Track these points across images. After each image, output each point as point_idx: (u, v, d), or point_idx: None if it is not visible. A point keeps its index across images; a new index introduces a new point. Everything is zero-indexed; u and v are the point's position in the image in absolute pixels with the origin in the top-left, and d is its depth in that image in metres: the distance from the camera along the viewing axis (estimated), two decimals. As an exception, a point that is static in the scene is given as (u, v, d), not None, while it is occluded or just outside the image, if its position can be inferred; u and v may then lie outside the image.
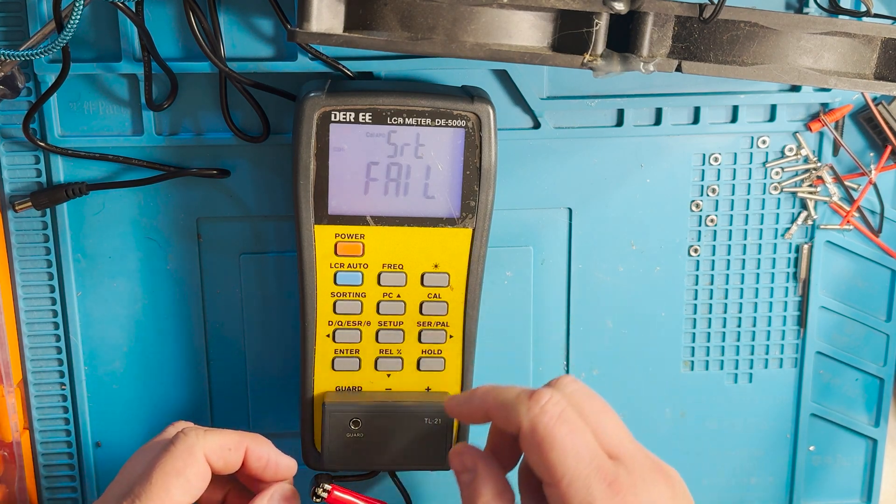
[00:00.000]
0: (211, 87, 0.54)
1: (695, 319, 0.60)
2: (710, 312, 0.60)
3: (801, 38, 0.49)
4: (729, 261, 0.59)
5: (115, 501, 0.45)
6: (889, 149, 0.57)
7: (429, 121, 0.50)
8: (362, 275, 0.52)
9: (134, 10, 0.51)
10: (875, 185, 0.58)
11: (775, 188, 0.58)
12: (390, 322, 0.53)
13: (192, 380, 0.58)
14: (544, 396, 0.43)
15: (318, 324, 0.52)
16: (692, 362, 0.61)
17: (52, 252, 0.56)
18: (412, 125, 0.50)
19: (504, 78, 0.55)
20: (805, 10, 0.55)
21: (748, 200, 0.58)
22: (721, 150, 0.58)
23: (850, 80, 0.50)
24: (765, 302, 0.60)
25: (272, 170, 0.55)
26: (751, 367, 0.61)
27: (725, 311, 0.60)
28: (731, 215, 0.59)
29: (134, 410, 0.58)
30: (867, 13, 0.53)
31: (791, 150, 0.58)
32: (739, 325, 0.60)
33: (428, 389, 0.54)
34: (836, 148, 0.58)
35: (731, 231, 0.59)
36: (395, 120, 0.50)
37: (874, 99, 0.57)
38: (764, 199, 0.58)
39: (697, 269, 0.59)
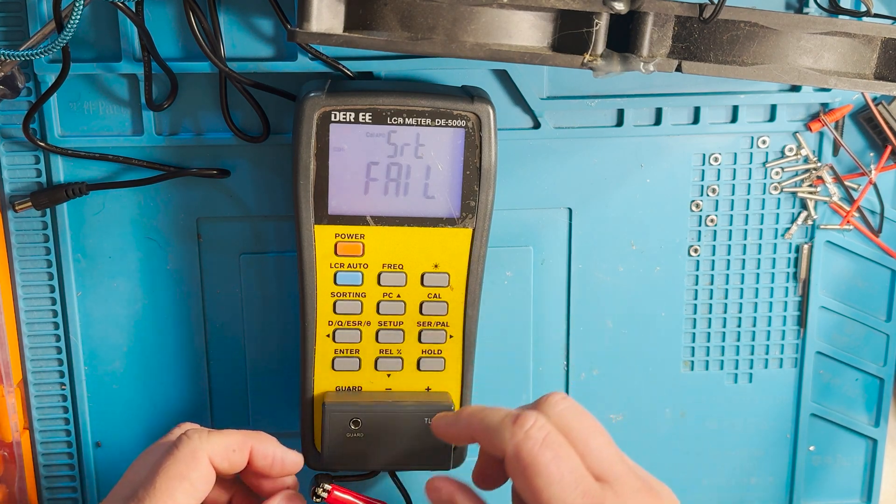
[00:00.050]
0: (211, 87, 0.54)
1: (695, 319, 0.60)
2: (710, 312, 0.60)
3: (801, 38, 0.49)
4: (729, 261, 0.59)
5: None
6: (889, 149, 0.57)
7: (429, 121, 0.50)
8: (362, 275, 0.52)
9: (134, 10, 0.51)
10: (875, 185, 0.58)
11: (775, 188, 0.58)
12: (390, 322, 0.53)
13: (192, 380, 0.58)
14: (528, 421, 0.43)
15: (318, 324, 0.52)
16: (692, 362, 0.61)
17: (52, 252, 0.56)
18: (412, 125, 0.50)
19: (504, 78, 0.55)
20: (805, 10, 0.55)
21: (748, 200, 0.58)
22: (721, 150, 0.58)
23: (850, 80, 0.50)
24: (765, 302, 0.60)
25: (272, 170, 0.55)
26: (751, 367, 0.61)
27: (725, 311, 0.60)
28: (731, 215, 0.59)
29: (134, 410, 0.58)
30: (867, 13, 0.53)
31: (791, 150, 0.58)
32: (739, 325, 0.60)
33: (428, 389, 0.54)
34: (836, 148, 0.58)
35: (731, 231, 0.59)
36: (395, 120, 0.50)
37: (874, 99, 0.57)
38: (764, 199, 0.58)
39: (697, 269, 0.59)
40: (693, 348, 0.60)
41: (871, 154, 0.58)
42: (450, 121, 0.50)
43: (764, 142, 0.57)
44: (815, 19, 0.49)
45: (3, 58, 0.47)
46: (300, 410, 0.54)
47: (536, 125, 0.56)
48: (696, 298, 0.60)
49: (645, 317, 0.60)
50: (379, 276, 0.52)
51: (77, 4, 0.46)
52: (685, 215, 0.58)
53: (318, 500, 0.50)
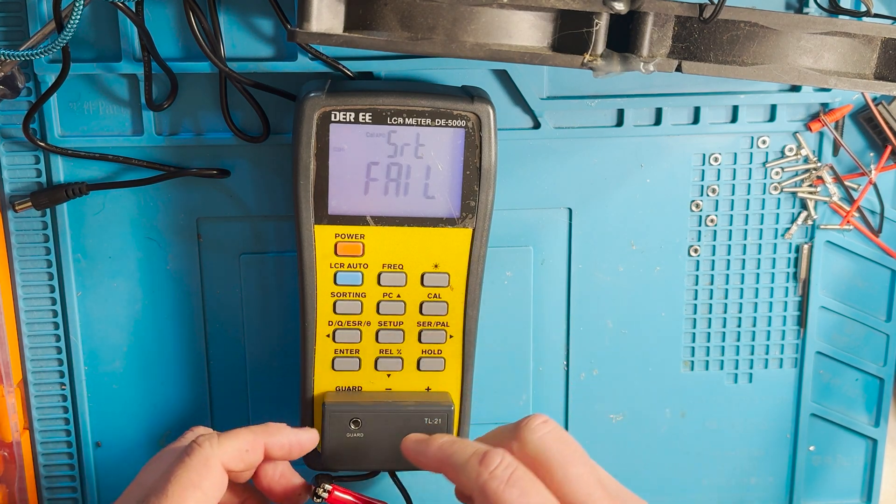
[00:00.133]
0: (211, 87, 0.54)
1: (695, 319, 0.60)
2: (710, 312, 0.60)
3: (801, 38, 0.49)
4: (729, 261, 0.59)
5: None
6: (889, 149, 0.57)
7: (429, 121, 0.50)
8: (362, 275, 0.52)
9: (134, 10, 0.51)
10: (875, 185, 0.58)
11: (775, 188, 0.58)
12: (390, 322, 0.53)
13: (192, 380, 0.58)
14: (494, 460, 0.43)
15: (318, 324, 0.52)
16: (692, 362, 0.61)
17: (52, 252, 0.56)
18: (412, 125, 0.50)
19: (504, 78, 0.55)
20: (805, 10, 0.55)
21: (748, 200, 0.58)
22: (721, 150, 0.58)
23: (850, 80, 0.50)
24: (765, 302, 0.60)
25: (272, 170, 0.55)
26: (751, 367, 0.61)
27: (725, 311, 0.60)
28: (731, 215, 0.59)
29: (134, 410, 0.58)
30: (867, 13, 0.53)
31: (791, 150, 0.58)
32: (739, 325, 0.60)
33: (428, 389, 0.54)
34: (836, 148, 0.58)
35: (731, 231, 0.59)
36: (395, 120, 0.50)
37: (874, 99, 0.57)
38: (764, 199, 0.58)
39: (697, 269, 0.59)
40: (693, 348, 0.60)
41: (871, 154, 0.58)
42: (450, 121, 0.50)
43: (764, 142, 0.57)
44: (815, 19, 0.49)
45: (3, 58, 0.47)
46: (300, 410, 0.54)
47: (536, 125, 0.56)
48: (696, 298, 0.60)
49: (645, 317, 0.60)
50: (379, 276, 0.52)
51: (77, 4, 0.46)
52: (685, 215, 0.58)
53: (318, 500, 0.50)
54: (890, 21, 0.53)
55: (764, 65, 0.49)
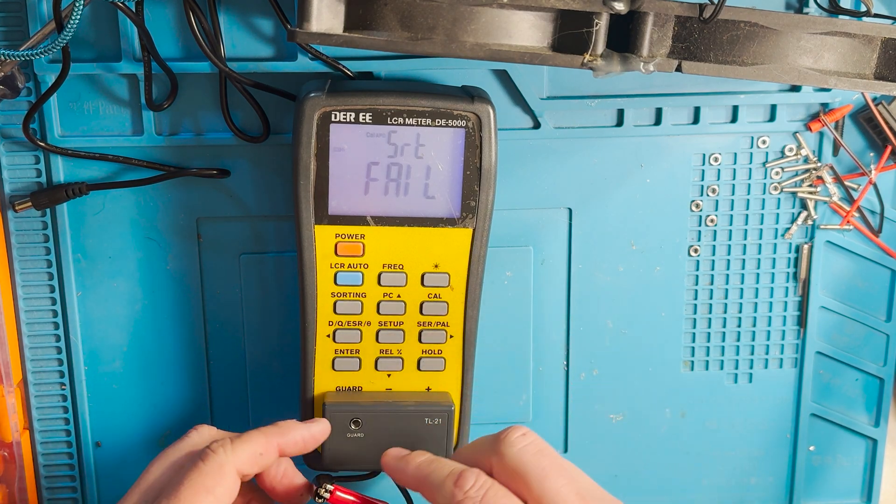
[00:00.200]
0: (211, 87, 0.54)
1: (695, 319, 0.60)
2: (710, 312, 0.60)
3: (801, 38, 0.49)
4: (729, 261, 0.59)
5: None
6: (889, 149, 0.57)
7: (429, 121, 0.50)
8: (362, 275, 0.52)
9: (134, 10, 0.51)
10: (875, 185, 0.58)
11: (775, 188, 0.58)
12: (390, 322, 0.53)
13: (192, 380, 0.58)
14: (468, 481, 0.44)
15: (318, 324, 0.52)
16: (692, 362, 0.61)
17: (52, 252, 0.56)
18: (412, 125, 0.50)
19: (504, 78, 0.55)
20: (805, 10, 0.55)
21: (748, 200, 0.58)
22: (721, 150, 0.58)
23: (850, 80, 0.50)
24: (765, 302, 0.60)
25: (272, 170, 0.55)
26: (751, 367, 0.61)
27: (725, 311, 0.60)
28: (731, 215, 0.59)
29: (134, 410, 0.58)
30: (867, 13, 0.53)
31: (791, 150, 0.58)
32: (739, 325, 0.60)
33: (428, 389, 0.54)
34: (836, 148, 0.58)
35: (731, 231, 0.59)
36: (395, 120, 0.50)
37: (874, 99, 0.57)
38: (764, 199, 0.58)
39: (697, 269, 0.59)
40: (693, 348, 0.60)
41: (871, 154, 0.58)
42: (450, 121, 0.50)
43: (764, 142, 0.57)
44: (815, 19, 0.49)
45: (3, 58, 0.47)
46: (300, 410, 0.54)
47: (536, 125, 0.56)
48: (696, 298, 0.60)
49: (645, 317, 0.60)
50: (379, 276, 0.52)
51: (77, 4, 0.46)
52: (685, 215, 0.58)
53: (320, 500, 0.50)
54: (890, 21, 0.53)
55: (764, 65, 0.49)
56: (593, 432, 0.61)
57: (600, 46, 0.47)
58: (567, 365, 0.60)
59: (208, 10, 0.52)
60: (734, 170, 0.58)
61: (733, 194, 0.58)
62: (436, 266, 0.52)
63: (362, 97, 0.49)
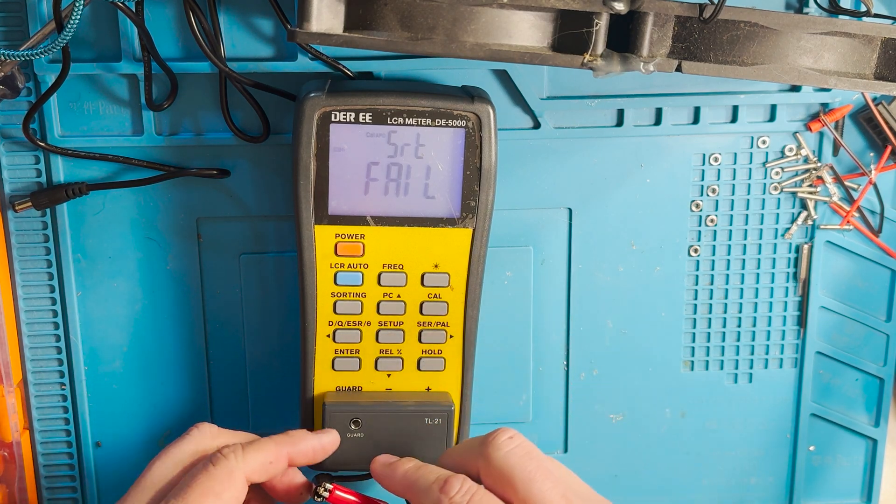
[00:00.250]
0: (211, 87, 0.54)
1: (695, 319, 0.60)
2: (710, 312, 0.60)
3: (801, 38, 0.49)
4: (729, 261, 0.59)
5: None
6: (889, 149, 0.57)
7: (429, 121, 0.50)
8: (362, 275, 0.52)
9: (134, 10, 0.51)
10: (875, 185, 0.58)
11: (775, 188, 0.58)
12: (390, 322, 0.53)
13: (192, 380, 0.58)
14: (454, 487, 0.44)
15: (318, 324, 0.52)
16: (692, 362, 0.61)
17: (52, 252, 0.56)
18: (412, 125, 0.50)
19: (504, 78, 0.55)
20: (805, 10, 0.55)
21: (748, 200, 0.58)
22: (721, 150, 0.58)
23: (850, 80, 0.50)
24: (765, 302, 0.60)
25: (272, 170, 0.55)
26: (751, 367, 0.61)
27: (725, 311, 0.60)
28: (731, 215, 0.59)
29: (134, 410, 0.58)
30: (867, 13, 0.53)
31: (791, 150, 0.58)
32: (739, 325, 0.60)
33: (428, 389, 0.54)
34: (836, 148, 0.58)
35: (731, 231, 0.59)
36: (395, 120, 0.50)
37: (874, 99, 0.57)
38: (764, 199, 0.58)
39: (697, 269, 0.59)
40: (693, 348, 0.60)
41: (871, 154, 0.58)
42: (450, 121, 0.50)
43: (764, 142, 0.57)
44: (815, 19, 0.49)
45: (3, 58, 0.47)
46: (300, 410, 0.54)
47: (536, 125, 0.56)
48: (696, 298, 0.60)
49: (645, 317, 0.60)
50: (379, 276, 0.52)
51: (77, 4, 0.46)
52: (685, 215, 0.58)
53: (319, 499, 0.50)
54: (890, 21, 0.53)
55: (764, 65, 0.49)
56: (593, 432, 0.61)
57: (600, 46, 0.47)
58: (567, 365, 0.60)
59: (208, 10, 0.52)
60: (734, 170, 0.58)
61: (733, 194, 0.58)
62: (436, 266, 0.52)
63: (362, 97, 0.49)
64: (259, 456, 0.47)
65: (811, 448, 0.62)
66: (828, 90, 0.56)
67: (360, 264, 0.52)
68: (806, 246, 0.59)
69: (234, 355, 0.58)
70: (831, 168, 0.58)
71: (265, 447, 0.48)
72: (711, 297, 0.60)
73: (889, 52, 0.49)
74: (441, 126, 0.50)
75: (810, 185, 0.58)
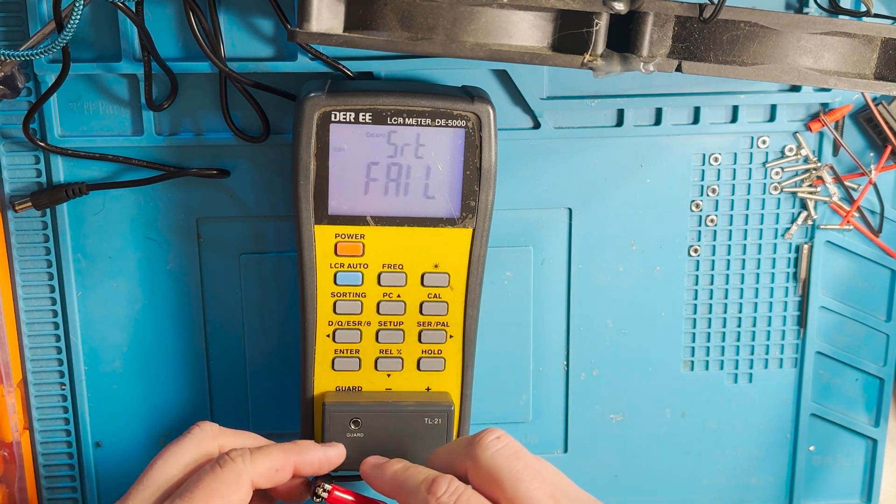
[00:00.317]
0: (211, 87, 0.54)
1: (695, 319, 0.60)
2: (710, 312, 0.60)
3: (801, 38, 0.49)
4: (729, 261, 0.59)
5: None
6: (889, 149, 0.57)
7: (429, 121, 0.50)
8: (362, 275, 0.52)
9: (134, 10, 0.51)
10: (875, 185, 0.58)
11: (775, 188, 0.58)
12: (390, 322, 0.53)
13: (192, 380, 0.58)
14: (441, 487, 0.44)
15: (318, 324, 0.52)
16: (692, 362, 0.61)
17: (52, 252, 0.56)
18: (412, 125, 0.50)
19: (504, 78, 0.55)
20: (805, 10, 0.55)
21: (748, 200, 0.58)
22: (721, 150, 0.58)
23: (850, 80, 0.50)
24: (765, 302, 0.60)
25: (272, 170, 0.55)
26: (751, 367, 0.61)
27: (725, 311, 0.60)
28: (731, 215, 0.59)
29: (134, 410, 0.58)
30: (867, 13, 0.53)
31: (791, 150, 0.58)
32: (739, 325, 0.60)
33: (428, 389, 0.54)
34: (836, 148, 0.58)
35: (731, 231, 0.59)
36: (395, 120, 0.50)
37: (874, 99, 0.57)
38: (764, 199, 0.58)
39: (697, 269, 0.59)
40: (693, 348, 0.60)
41: (871, 154, 0.58)
42: (450, 121, 0.50)
43: (764, 142, 0.57)
44: (815, 19, 0.49)
45: (3, 58, 0.47)
46: (300, 410, 0.54)
47: (536, 125, 0.56)
48: (696, 298, 0.60)
49: (645, 317, 0.60)
50: (379, 276, 0.52)
51: (77, 4, 0.46)
52: (685, 215, 0.58)
53: (318, 499, 0.50)
54: (890, 21, 0.53)
55: (764, 65, 0.49)
56: (593, 432, 0.61)
57: (600, 46, 0.47)
58: (567, 365, 0.60)
59: (208, 10, 0.52)
60: (734, 170, 0.58)
61: (733, 194, 0.58)
62: (436, 266, 0.52)
63: (362, 97, 0.49)
64: (266, 462, 0.47)
65: (811, 448, 0.62)
66: (828, 90, 0.56)
67: (360, 264, 0.52)
68: (806, 246, 0.59)
69: (234, 355, 0.58)
70: (831, 168, 0.58)
71: (273, 454, 0.48)
72: (711, 297, 0.60)
73: (889, 52, 0.49)
74: (441, 126, 0.50)
75: (810, 185, 0.58)
